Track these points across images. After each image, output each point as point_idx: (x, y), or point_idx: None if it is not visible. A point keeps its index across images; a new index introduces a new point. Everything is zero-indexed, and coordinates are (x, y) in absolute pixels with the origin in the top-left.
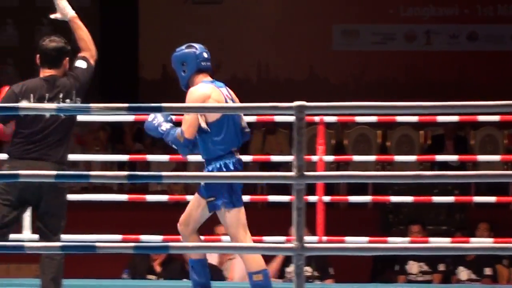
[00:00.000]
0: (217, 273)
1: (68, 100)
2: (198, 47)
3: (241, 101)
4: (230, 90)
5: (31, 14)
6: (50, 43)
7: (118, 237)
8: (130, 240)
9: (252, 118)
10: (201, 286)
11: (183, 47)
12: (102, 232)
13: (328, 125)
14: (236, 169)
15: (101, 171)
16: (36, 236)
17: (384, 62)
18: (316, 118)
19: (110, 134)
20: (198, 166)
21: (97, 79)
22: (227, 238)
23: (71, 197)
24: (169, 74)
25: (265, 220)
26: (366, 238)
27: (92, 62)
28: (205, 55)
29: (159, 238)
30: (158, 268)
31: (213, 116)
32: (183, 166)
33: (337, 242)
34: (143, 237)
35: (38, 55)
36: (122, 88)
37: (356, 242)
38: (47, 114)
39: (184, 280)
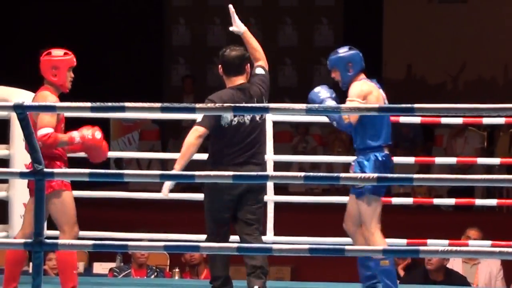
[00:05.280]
0: (461, 280)
1: None
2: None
3: (484, 102)
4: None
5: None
6: (231, 52)
7: None
8: None
9: (501, 120)
10: None
11: (346, 48)
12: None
13: None
14: (384, 162)
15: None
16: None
17: None
18: None
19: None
20: (442, 169)
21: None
22: (473, 242)
23: (310, 199)
24: (414, 74)
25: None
26: None
27: (267, 69)
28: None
29: (403, 241)
30: (401, 272)
31: None
32: (427, 168)
33: None
34: (388, 240)
35: (220, 65)
36: None
37: None
38: (247, 121)
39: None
